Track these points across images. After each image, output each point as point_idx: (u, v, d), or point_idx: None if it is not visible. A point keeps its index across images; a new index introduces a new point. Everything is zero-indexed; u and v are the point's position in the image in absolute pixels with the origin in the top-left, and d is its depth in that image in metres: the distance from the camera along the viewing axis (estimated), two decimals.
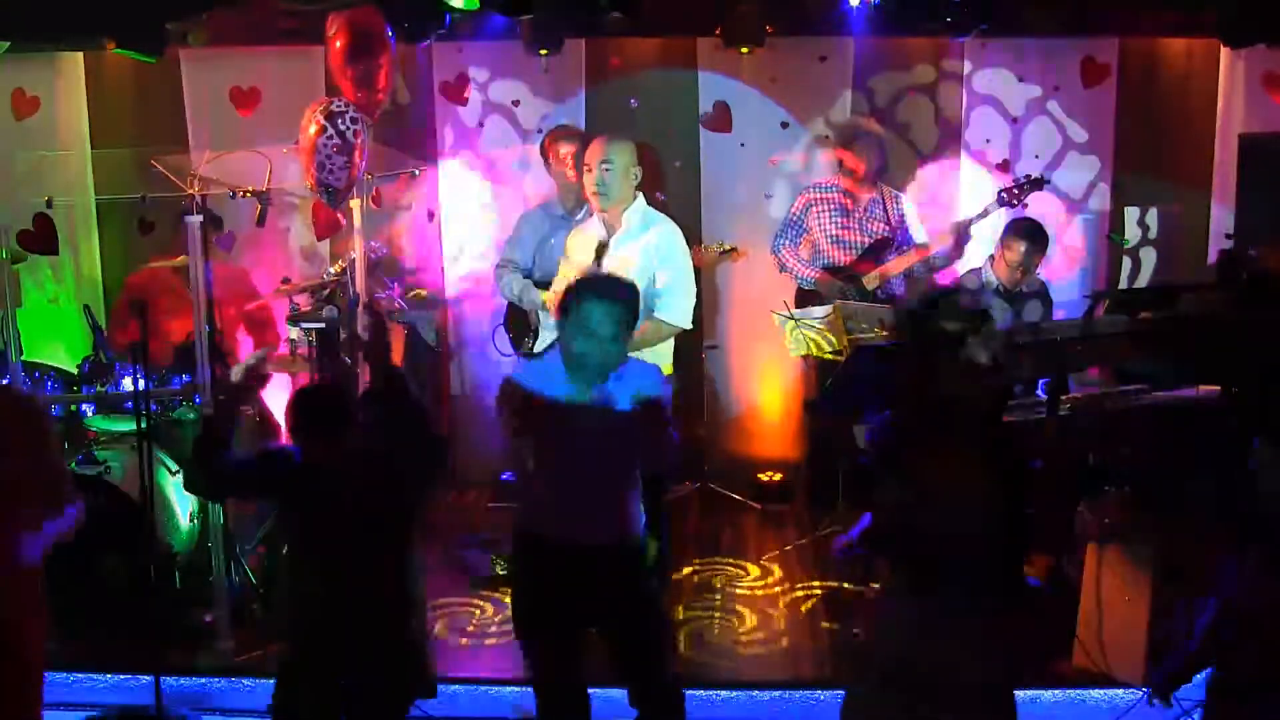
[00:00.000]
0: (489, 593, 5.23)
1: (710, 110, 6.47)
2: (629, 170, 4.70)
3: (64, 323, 6.37)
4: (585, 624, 3.57)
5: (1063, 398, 4.61)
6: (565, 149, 5.56)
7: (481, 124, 6.52)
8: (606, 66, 6.47)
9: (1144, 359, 4.75)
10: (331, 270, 5.61)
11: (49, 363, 5.45)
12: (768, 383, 6.62)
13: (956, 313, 3.07)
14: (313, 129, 4.72)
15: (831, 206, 5.84)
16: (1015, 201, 5.61)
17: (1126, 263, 6.58)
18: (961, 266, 5.81)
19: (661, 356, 4.66)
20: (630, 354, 3.56)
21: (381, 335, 3.73)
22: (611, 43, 6.41)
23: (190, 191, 4.62)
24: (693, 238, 5.61)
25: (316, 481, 3.36)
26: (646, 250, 4.69)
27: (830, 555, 5.24)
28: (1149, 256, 6.58)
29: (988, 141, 6.47)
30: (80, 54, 6.27)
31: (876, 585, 4.33)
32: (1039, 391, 4.98)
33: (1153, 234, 6.55)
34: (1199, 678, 3.18)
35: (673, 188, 6.35)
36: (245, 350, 5.87)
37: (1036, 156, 6.42)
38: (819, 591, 5.28)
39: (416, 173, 6.10)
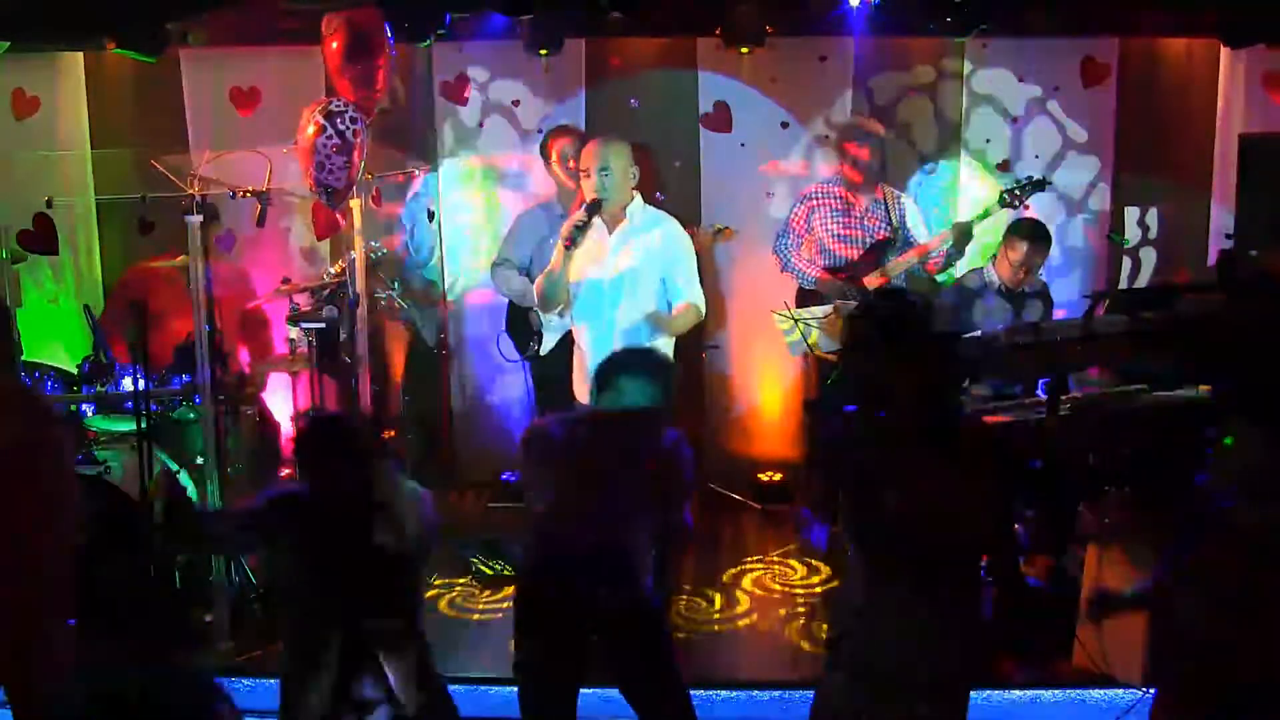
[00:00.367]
0: (489, 593, 5.23)
1: (710, 110, 6.47)
2: (627, 172, 4.73)
3: (64, 323, 6.36)
4: (589, 631, 3.51)
5: (1063, 398, 4.61)
6: (565, 149, 5.57)
7: (481, 124, 6.51)
8: (606, 66, 6.46)
9: (1144, 359, 4.74)
10: (332, 270, 5.62)
11: (49, 363, 5.46)
12: (768, 383, 6.62)
13: (882, 314, 3.18)
14: (311, 129, 4.71)
15: (833, 206, 5.84)
16: (1017, 203, 5.61)
17: (1126, 263, 6.58)
18: (962, 266, 5.81)
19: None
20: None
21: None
22: (611, 43, 6.41)
23: (190, 191, 4.62)
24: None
25: (324, 518, 3.21)
26: (650, 249, 4.72)
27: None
28: (1149, 256, 6.58)
29: (988, 141, 6.47)
30: (80, 54, 6.26)
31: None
32: (1039, 391, 4.98)
33: (1153, 234, 6.54)
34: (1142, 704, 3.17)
35: (673, 187, 6.34)
36: (244, 352, 5.89)
37: (1036, 156, 6.43)
38: (819, 591, 5.28)
39: (416, 172, 6.11)
